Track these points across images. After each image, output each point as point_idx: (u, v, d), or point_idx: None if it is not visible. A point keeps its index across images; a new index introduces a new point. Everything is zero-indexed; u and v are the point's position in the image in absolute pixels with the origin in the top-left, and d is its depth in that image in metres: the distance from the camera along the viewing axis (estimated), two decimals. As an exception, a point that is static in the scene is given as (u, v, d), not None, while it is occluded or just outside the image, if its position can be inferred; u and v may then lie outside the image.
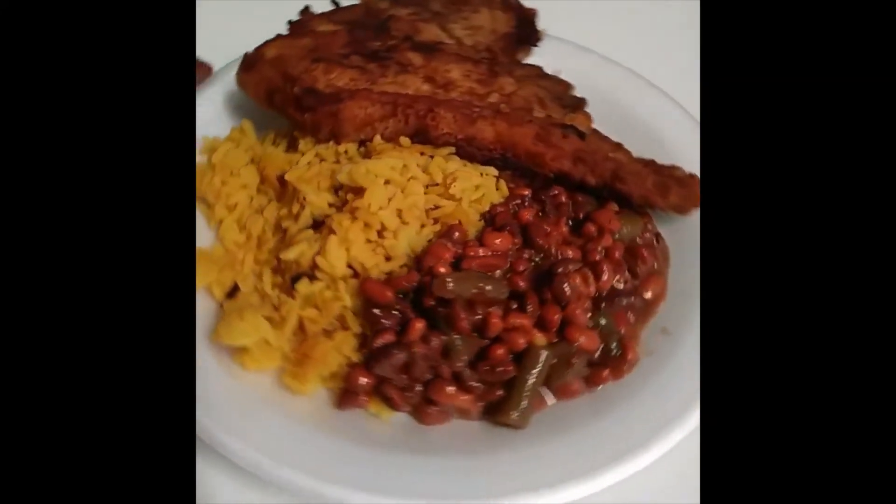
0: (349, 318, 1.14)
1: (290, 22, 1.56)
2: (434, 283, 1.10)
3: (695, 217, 1.39)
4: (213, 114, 1.45)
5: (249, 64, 1.39)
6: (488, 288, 1.13)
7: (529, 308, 1.18)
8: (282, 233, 1.28)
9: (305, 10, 1.60)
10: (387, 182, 1.25)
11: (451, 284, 1.10)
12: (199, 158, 1.37)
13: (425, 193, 1.28)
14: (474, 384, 1.12)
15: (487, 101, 1.50)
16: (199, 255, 1.22)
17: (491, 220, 1.31)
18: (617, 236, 1.36)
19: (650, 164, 1.46)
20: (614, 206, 1.43)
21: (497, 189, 1.39)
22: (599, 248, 1.31)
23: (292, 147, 1.40)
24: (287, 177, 1.27)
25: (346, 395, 1.11)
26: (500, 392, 1.13)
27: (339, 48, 1.48)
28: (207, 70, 1.55)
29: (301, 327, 1.17)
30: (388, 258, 1.18)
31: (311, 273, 1.17)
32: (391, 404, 1.10)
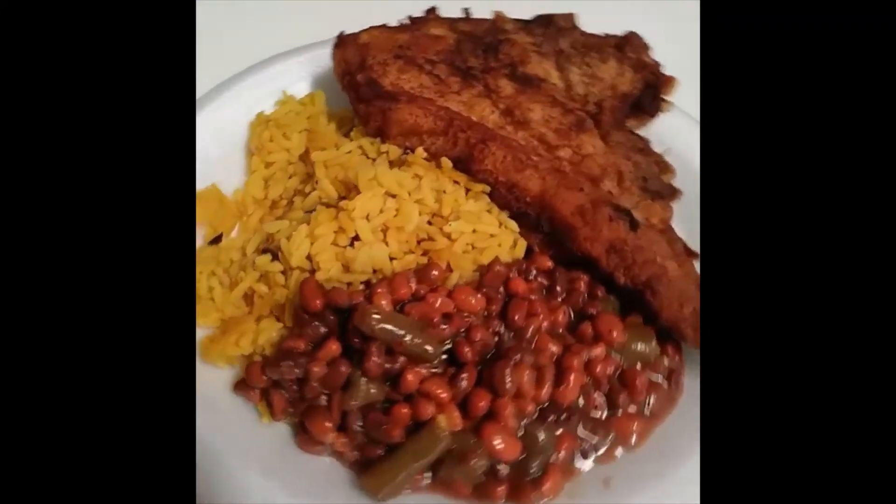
0: (286, 311, 1.11)
1: (410, 17, 1.54)
2: (358, 310, 1.01)
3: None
4: (304, 74, 1.47)
5: (342, 41, 1.42)
6: (414, 341, 1.01)
7: (462, 383, 1.04)
8: (290, 205, 1.27)
9: (431, 10, 1.56)
10: (392, 196, 1.17)
11: (374, 320, 1.00)
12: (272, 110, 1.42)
13: (428, 223, 1.18)
14: (357, 430, 1.01)
15: (555, 153, 1.35)
16: (212, 194, 1.27)
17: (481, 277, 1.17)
18: (616, 353, 1.13)
19: None
20: (636, 319, 1.19)
21: (513, 247, 1.24)
22: (584, 355, 1.10)
23: (348, 133, 1.39)
24: (312, 156, 1.27)
25: (240, 384, 1.08)
26: (380, 452, 1.01)
27: (431, 53, 1.43)
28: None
29: (251, 301, 1.15)
30: (346, 268, 1.11)
31: (277, 252, 1.14)
32: (271, 410, 1.05)
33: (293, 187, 1.32)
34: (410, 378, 1.02)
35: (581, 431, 1.08)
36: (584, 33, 1.62)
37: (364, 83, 1.33)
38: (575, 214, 1.24)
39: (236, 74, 1.45)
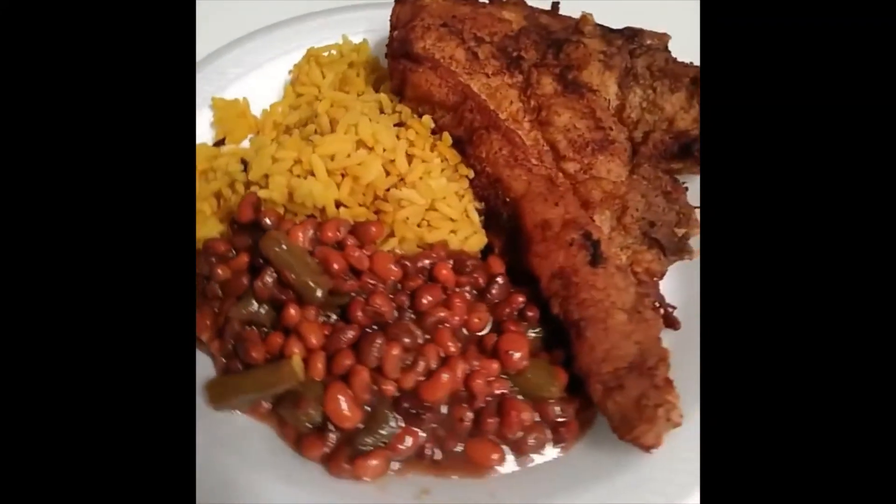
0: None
1: (479, -3, 1.51)
2: (266, 233, 1.04)
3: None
4: (368, 27, 1.53)
5: (408, 24, 1.41)
6: (301, 278, 1.02)
7: (339, 338, 1.03)
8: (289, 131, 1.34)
9: (517, -5, 1.52)
10: (369, 148, 1.18)
11: (274, 246, 1.02)
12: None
13: (394, 188, 1.17)
14: (229, 340, 1.05)
15: (560, 164, 1.25)
16: (235, 105, 1.38)
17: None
18: (507, 377, 1.04)
19: (648, 369, 1.02)
20: (555, 356, 1.08)
21: (467, 239, 1.18)
22: (471, 364, 1.03)
23: (379, 87, 1.42)
24: (321, 94, 1.31)
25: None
26: (239, 367, 1.04)
27: (485, 32, 1.39)
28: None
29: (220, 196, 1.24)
30: (290, 197, 1.15)
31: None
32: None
33: (307, 118, 1.37)
34: (291, 312, 1.04)
35: (433, 434, 1.01)
36: (670, 59, 1.46)
37: (397, 41, 1.34)
38: (537, 227, 1.14)
39: (302, 16, 1.53)
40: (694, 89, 1.41)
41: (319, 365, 1.02)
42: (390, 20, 1.44)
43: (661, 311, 1.19)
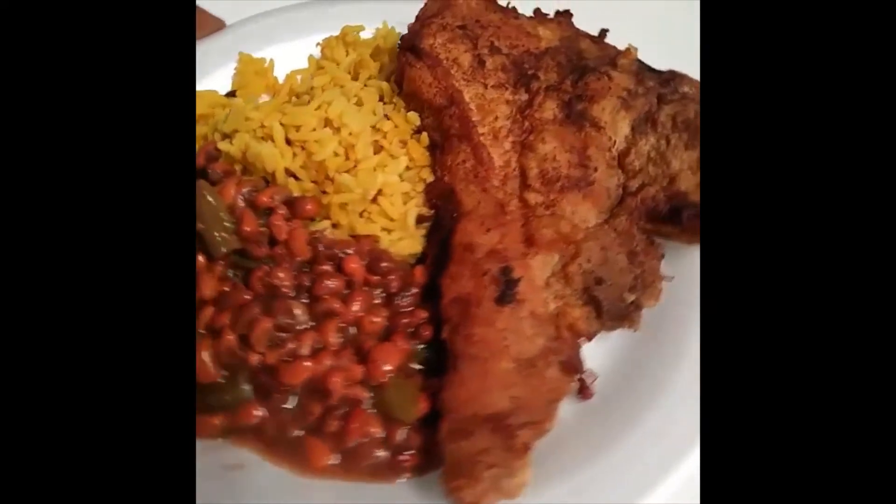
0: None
1: (536, 9, 1.45)
2: (198, 178, 1.09)
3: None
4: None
5: (426, 20, 1.39)
6: (207, 226, 1.06)
7: (235, 297, 1.05)
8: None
9: (563, 13, 1.44)
10: (336, 129, 1.19)
11: (208, 194, 1.07)
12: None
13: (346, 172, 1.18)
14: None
15: (522, 193, 1.18)
16: (255, 63, 1.47)
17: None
18: (368, 386, 1.00)
19: (508, 428, 0.93)
20: (434, 385, 1.02)
21: (399, 241, 1.15)
22: (337, 362, 1.00)
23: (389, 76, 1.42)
24: (327, 67, 1.34)
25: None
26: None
27: (504, 44, 1.34)
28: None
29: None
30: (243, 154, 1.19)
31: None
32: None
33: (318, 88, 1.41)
34: (199, 260, 1.07)
35: (277, 415, 1.00)
36: (699, 112, 1.30)
37: (410, 31, 1.33)
38: (461, 247, 1.08)
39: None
40: (711, 151, 1.25)
41: (205, 316, 1.05)
42: (421, 8, 1.44)
43: (575, 375, 1.07)
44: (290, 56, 1.51)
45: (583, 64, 1.37)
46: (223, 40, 1.49)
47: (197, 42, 1.47)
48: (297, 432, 0.99)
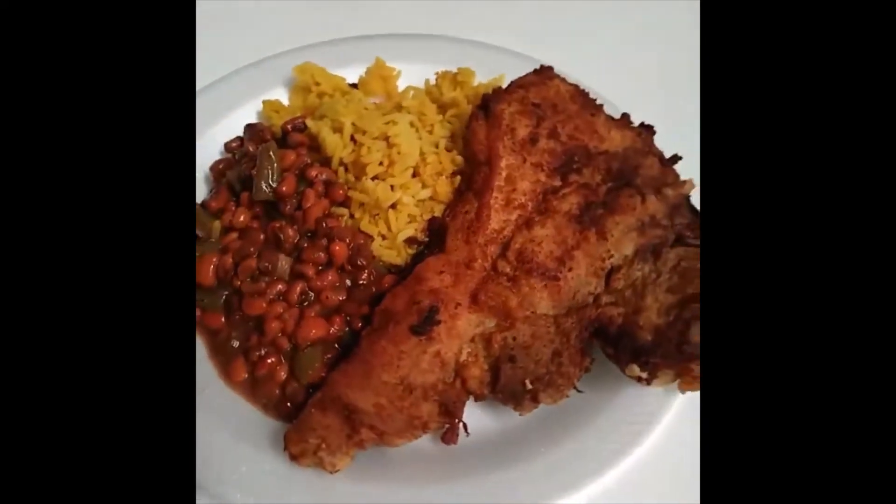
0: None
1: (624, 114, 1.55)
2: (268, 142, 1.44)
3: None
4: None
5: (543, 70, 1.57)
6: (258, 178, 1.39)
7: (252, 233, 1.38)
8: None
9: (647, 127, 1.52)
10: (391, 145, 1.45)
11: (263, 149, 1.41)
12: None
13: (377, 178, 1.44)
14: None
15: (496, 261, 1.32)
16: (392, 73, 1.76)
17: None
18: (289, 340, 1.27)
19: (355, 421, 1.13)
20: (328, 356, 1.28)
21: (386, 249, 1.38)
22: (283, 312, 1.28)
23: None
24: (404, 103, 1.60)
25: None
26: (203, 203, 1.48)
27: (566, 133, 1.47)
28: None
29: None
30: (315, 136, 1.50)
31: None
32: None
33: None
34: (244, 195, 1.42)
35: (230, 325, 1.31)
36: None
37: (493, 92, 1.51)
38: (415, 275, 1.28)
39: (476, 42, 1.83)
40: (682, 306, 1.27)
41: (229, 237, 1.39)
42: (520, 78, 1.61)
43: (448, 419, 1.22)
44: (415, 74, 1.80)
45: (631, 178, 1.45)
46: (366, 44, 1.82)
47: (343, 41, 1.82)
48: (234, 345, 1.29)
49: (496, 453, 1.28)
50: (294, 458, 1.10)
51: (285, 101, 1.74)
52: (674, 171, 1.49)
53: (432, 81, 1.77)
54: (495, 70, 1.75)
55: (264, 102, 1.69)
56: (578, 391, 1.25)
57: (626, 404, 1.34)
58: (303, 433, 1.11)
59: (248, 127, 1.58)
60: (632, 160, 1.49)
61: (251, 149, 1.52)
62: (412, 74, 1.80)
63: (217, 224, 1.40)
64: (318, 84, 1.71)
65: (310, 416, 1.13)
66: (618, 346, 1.27)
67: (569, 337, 1.28)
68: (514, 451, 1.28)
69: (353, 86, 1.79)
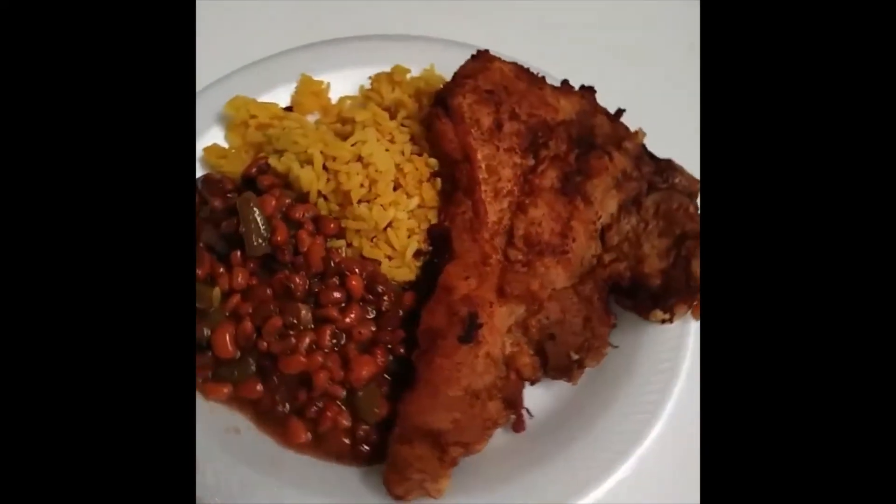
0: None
1: (564, 80, 1.63)
2: (244, 192, 1.37)
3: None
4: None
5: (480, 55, 1.60)
6: (248, 233, 1.32)
7: (258, 292, 1.32)
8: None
9: (587, 88, 1.62)
10: (365, 165, 1.42)
11: (243, 203, 1.34)
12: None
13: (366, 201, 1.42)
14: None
15: (507, 248, 1.38)
16: (311, 85, 1.70)
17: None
18: (342, 385, 1.27)
19: (443, 444, 1.17)
20: (385, 389, 1.29)
21: (397, 268, 1.39)
22: (324, 361, 1.26)
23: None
24: (368, 106, 1.57)
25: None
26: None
27: (525, 111, 1.53)
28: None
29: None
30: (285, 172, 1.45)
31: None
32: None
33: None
34: (235, 255, 1.34)
35: (272, 393, 1.27)
36: (684, 205, 1.47)
37: (444, 88, 1.54)
38: (441, 287, 1.31)
39: (415, 36, 1.82)
40: (679, 245, 1.43)
41: (232, 302, 1.32)
42: (460, 68, 1.64)
43: (512, 410, 1.30)
44: (344, 83, 1.75)
45: (591, 140, 1.56)
46: (288, 61, 1.73)
47: (264, 60, 1.73)
48: (284, 410, 1.26)
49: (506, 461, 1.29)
50: (400, 498, 1.13)
51: (220, 142, 1.63)
52: (622, 124, 1.62)
53: (367, 86, 1.74)
54: (425, 61, 1.76)
55: (205, 150, 1.57)
56: (614, 346, 1.38)
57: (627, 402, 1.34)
58: (400, 472, 1.13)
59: (205, 181, 1.47)
60: (586, 123, 1.59)
61: (217, 204, 1.42)
62: (340, 83, 1.76)
63: (217, 291, 1.32)
64: (254, 117, 1.62)
65: (398, 453, 1.15)
66: (636, 297, 1.40)
67: (592, 301, 1.39)
68: (518, 460, 1.28)
69: (288, 109, 1.71)
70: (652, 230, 1.45)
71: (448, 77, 1.73)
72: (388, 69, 1.74)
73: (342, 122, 1.67)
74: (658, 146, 1.59)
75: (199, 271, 1.35)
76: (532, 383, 1.32)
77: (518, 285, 1.35)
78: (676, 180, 1.52)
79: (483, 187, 1.45)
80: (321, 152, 1.44)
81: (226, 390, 1.26)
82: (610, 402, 1.33)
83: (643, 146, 1.58)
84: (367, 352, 1.29)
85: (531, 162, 1.51)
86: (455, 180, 1.47)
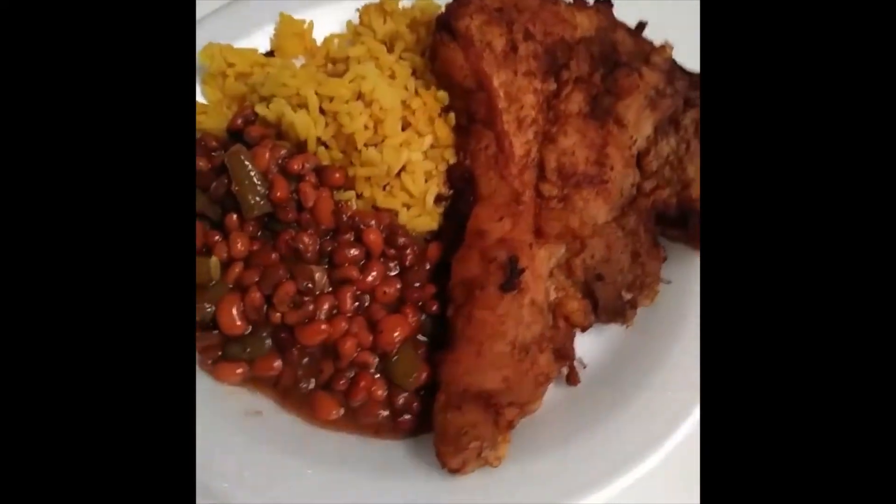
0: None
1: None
2: (232, 147, 1.20)
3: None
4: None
5: None
6: (244, 193, 1.15)
7: (263, 257, 1.15)
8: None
9: (599, 1, 1.44)
10: (368, 103, 1.25)
11: (233, 159, 1.17)
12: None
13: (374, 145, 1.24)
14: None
15: (539, 183, 1.23)
16: (294, 25, 1.51)
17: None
18: (373, 352, 1.12)
19: (495, 406, 1.04)
20: (421, 352, 1.14)
21: (417, 217, 1.23)
22: (350, 327, 1.11)
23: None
24: (363, 39, 1.39)
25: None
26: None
27: (540, 31, 1.36)
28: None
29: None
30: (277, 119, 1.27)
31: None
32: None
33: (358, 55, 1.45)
34: (232, 218, 1.17)
35: (293, 369, 1.11)
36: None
37: (447, 10, 1.35)
38: (473, 232, 1.16)
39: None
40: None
41: (234, 272, 1.15)
42: (460, -11, 1.46)
43: (566, 362, 1.16)
44: (329, 19, 1.56)
45: (615, 57, 1.39)
46: (263, 2, 1.52)
47: (235, 3, 1.52)
48: (309, 385, 1.11)
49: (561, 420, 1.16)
50: (456, 471, 0.99)
51: (196, 96, 1.44)
52: (646, 39, 1.45)
53: (355, 21, 1.54)
54: (417, -11, 1.57)
55: (180, 105, 1.37)
56: (667, 282, 1.24)
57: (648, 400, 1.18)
58: (454, 442, 0.98)
59: (202, 138, 1.28)
60: (606, 39, 1.42)
61: (202, 165, 1.24)
62: (324, 20, 1.56)
63: (214, 261, 1.15)
64: (231, 65, 1.42)
65: (447, 422, 1.01)
66: (685, 225, 1.26)
67: (638, 235, 1.25)
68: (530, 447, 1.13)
69: (269, 54, 1.51)
70: (695, 150, 1.30)
71: (443, 3, 1.56)
72: (375, 1, 1.55)
73: (332, 63, 1.48)
74: (689, 60, 1.43)
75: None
76: (583, 330, 1.19)
77: (556, 223, 1.20)
78: (715, 93, 1.37)
79: (504, 117, 1.28)
80: (315, 93, 1.26)
81: (240, 371, 1.11)
82: (670, 344, 1.20)
83: (673, 60, 1.42)
84: (395, 312, 1.14)
85: (553, 86, 1.35)
86: (471, 113, 1.30)
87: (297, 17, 1.54)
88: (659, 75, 1.37)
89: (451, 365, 1.06)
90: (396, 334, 1.10)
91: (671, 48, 1.43)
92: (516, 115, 1.30)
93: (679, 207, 1.27)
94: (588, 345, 1.22)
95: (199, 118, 1.36)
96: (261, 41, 1.52)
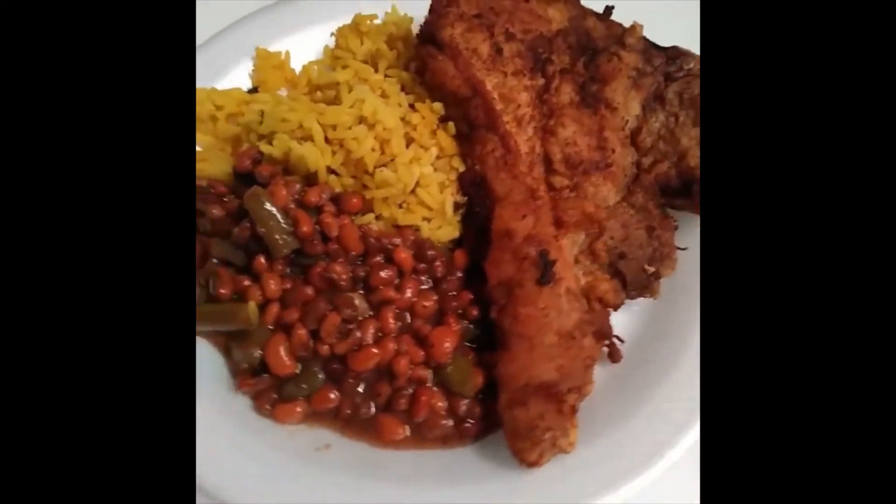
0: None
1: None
2: (250, 190, 1.20)
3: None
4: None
5: (442, 8, 1.43)
6: (268, 232, 1.16)
7: (299, 293, 1.16)
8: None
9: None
10: (370, 125, 1.26)
11: (254, 201, 1.18)
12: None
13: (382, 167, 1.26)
14: (205, 269, 1.20)
15: (549, 177, 1.28)
16: (272, 57, 1.51)
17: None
18: (430, 365, 1.14)
19: (557, 394, 1.08)
20: (484, 358, 1.16)
21: (439, 228, 1.26)
22: (400, 346, 1.13)
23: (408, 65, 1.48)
24: (348, 62, 1.40)
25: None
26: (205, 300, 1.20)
27: (518, 29, 1.40)
28: None
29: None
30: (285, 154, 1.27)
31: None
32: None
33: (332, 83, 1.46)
34: (260, 261, 1.18)
35: (351, 398, 1.13)
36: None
37: (427, 23, 1.39)
38: (500, 234, 1.20)
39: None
40: (716, 127, 1.37)
41: (272, 313, 1.16)
42: (431, 1, 1.49)
43: (606, 341, 1.22)
44: (303, 47, 1.56)
45: (591, 45, 1.45)
46: (236, 36, 1.52)
47: (211, 40, 1.51)
48: (370, 411, 1.13)
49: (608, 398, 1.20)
50: (535, 464, 1.03)
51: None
52: (615, 22, 1.52)
53: (331, 45, 1.55)
54: (385, 4, 1.58)
55: (177, 156, 1.36)
56: (682, 249, 1.31)
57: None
58: (527, 437, 1.03)
59: (210, 186, 1.27)
60: (580, 28, 1.48)
61: (217, 213, 1.23)
62: (300, 48, 1.56)
63: (252, 305, 1.16)
64: (220, 108, 1.41)
65: (516, 419, 1.05)
66: (689, 193, 1.33)
67: (648, 209, 1.31)
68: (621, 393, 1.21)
69: (253, 90, 1.51)
70: (684, 121, 1.38)
71: (416, 15, 1.59)
72: (348, 21, 1.56)
73: (318, 90, 1.49)
74: (658, 37, 1.50)
75: (222, 291, 1.18)
76: (615, 309, 1.24)
77: (574, 212, 1.25)
78: (690, 65, 1.45)
79: (504, 118, 1.33)
80: (318, 123, 1.27)
81: (300, 409, 1.12)
82: (696, 310, 1.27)
83: (645, 38, 1.49)
84: (438, 324, 1.17)
85: (541, 81, 1.40)
86: (470, 120, 1.33)
87: (272, 49, 1.54)
88: (636, 55, 1.43)
89: (508, 364, 1.10)
90: (447, 344, 1.13)
91: (641, 27, 1.50)
92: (514, 114, 1.34)
93: (679, 177, 1.34)
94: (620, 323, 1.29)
95: (200, 166, 1.35)
96: (239, 78, 1.52)
